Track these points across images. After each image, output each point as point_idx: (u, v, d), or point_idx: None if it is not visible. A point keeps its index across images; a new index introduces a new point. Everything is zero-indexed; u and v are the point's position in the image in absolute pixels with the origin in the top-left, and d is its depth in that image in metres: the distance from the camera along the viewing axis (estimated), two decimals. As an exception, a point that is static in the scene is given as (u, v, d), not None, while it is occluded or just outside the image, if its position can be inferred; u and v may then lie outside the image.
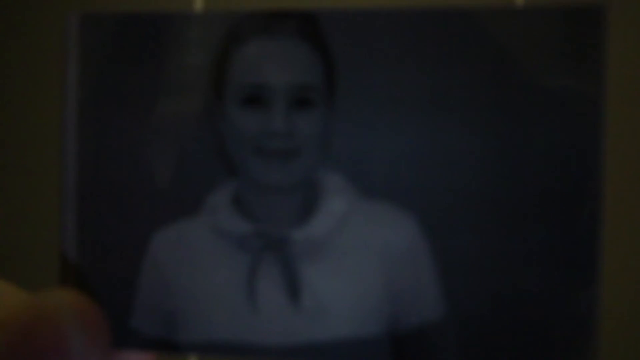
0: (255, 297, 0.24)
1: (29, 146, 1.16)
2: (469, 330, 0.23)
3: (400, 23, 0.24)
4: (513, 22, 0.23)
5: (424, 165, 0.23)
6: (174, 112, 0.25)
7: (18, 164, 1.17)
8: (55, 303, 0.23)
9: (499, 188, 0.23)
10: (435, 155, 0.23)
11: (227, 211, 0.24)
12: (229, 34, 0.24)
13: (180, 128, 0.25)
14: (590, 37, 0.22)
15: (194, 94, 0.25)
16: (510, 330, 0.23)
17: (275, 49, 0.24)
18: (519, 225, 0.23)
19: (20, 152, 1.17)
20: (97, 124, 0.25)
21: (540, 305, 0.23)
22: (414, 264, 0.23)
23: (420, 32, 0.23)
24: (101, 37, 0.25)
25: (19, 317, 0.22)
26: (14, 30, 1.17)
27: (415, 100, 0.23)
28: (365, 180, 0.24)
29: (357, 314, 0.24)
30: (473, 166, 0.23)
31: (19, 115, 1.17)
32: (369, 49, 0.24)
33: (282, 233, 0.24)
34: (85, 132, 0.25)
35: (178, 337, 0.24)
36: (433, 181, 0.23)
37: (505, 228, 0.23)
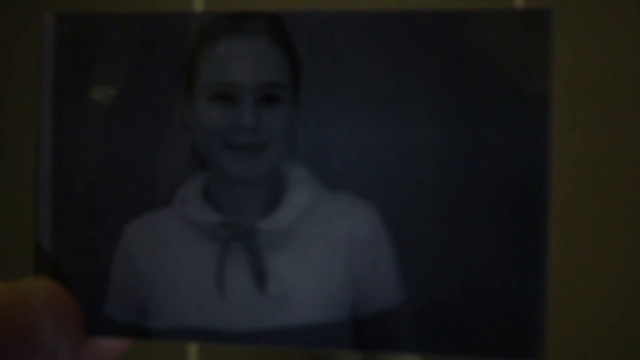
0: (224, 285, 0.25)
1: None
2: (426, 316, 0.24)
3: (362, 24, 0.25)
4: (466, 24, 0.24)
5: (384, 159, 0.25)
6: (146, 108, 0.26)
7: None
8: (29, 291, 0.23)
9: (454, 179, 0.24)
10: (395, 149, 0.25)
11: (197, 203, 0.25)
12: (200, 34, 0.26)
13: (153, 123, 0.26)
14: (539, 38, 0.24)
15: (166, 90, 0.26)
16: (465, 317, 0.24)
17: (243, 48, 0.25)
18: (473, 215, 0.24)
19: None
20: (71, 119, 0.26)
21: (493, 292, 0.24)
22: (375, 252, 0.25)
23: (380, 32, 0.25)
24: (75, 36, 0.26)
25: None
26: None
27: (376, 96, 0.25)
28: (329, 173, 0.25)
29: (320, 301, 0.25)
30: (430, 159, 0.24)
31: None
32: (332, 49, 0.25)
33: (249, 223, 0.25)
34: (60, 126, 0.26)
35: (149, 324, 0.25)
36: (393, 174, 0.25)
37: (461, 217, 0.24)
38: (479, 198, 0.24)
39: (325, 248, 0.25)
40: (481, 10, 0.24)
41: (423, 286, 0.24)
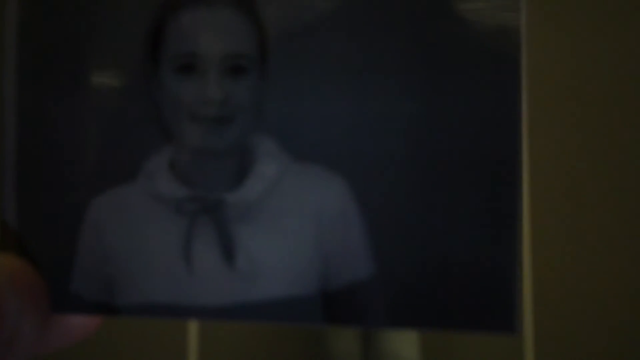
0: (192, 260, 0.25)
1: None
2: (396, 288, 0.24)
3: None
4: None
5: (354, 130, 0.24)
6: (110, 79, 0.25)
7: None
8: None
9: (425, 151, 0.24)
10: (365, 121, 0.24)
11: (163, 176, 0.25)
12: (165, 3, 0.25)
13: (117, 96, 0.25)
14: (510, 12, 0.23)
15: (131, 62, 0.25)
16: (436, 288, 0.24)
17: (209, 18, 0.25)
18: (444, 187, 0.24)
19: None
20: (35, 92, 0.25)
21: (463, 265, 0.24)
22: (344, 225, 0.24)
23: (350, 2, 0.24)
24: (39, 6, 0.25)
25: None
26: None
27: (345, 67, 0.24)
28: (298, 145, 0.24)
29: (289, 274, 0.24)
30: (400, 131, 0.24)
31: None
32: (300, 18, 0.24)
33: (217, 196, 0.25)
34: (23, 100, 0.25)
35: (117, 300, 0.25)
36: (363, 145, 0.24)
37: (432, 190, 0.24)
38: (449, 169, 0.24)
39: (294, 221, 0.24)
40: None
41: (393, 259, 0.24)
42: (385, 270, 0.24)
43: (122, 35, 0.25)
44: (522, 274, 0.24)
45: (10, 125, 0.25)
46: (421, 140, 0.24)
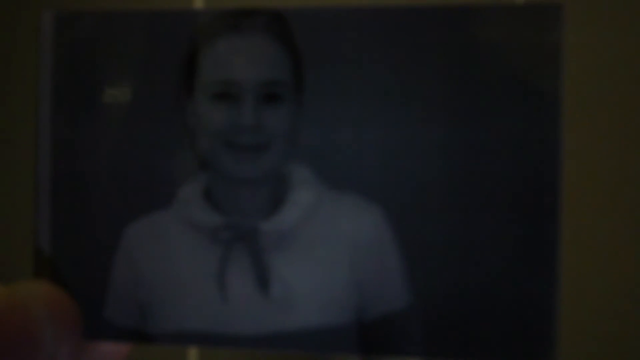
0: (226, 288, 0.25)
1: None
2: (433, 318, 0.24)
3: (365, 20, 0.24)
4: (474, 19, 0.24)
5: (389, 158, 0.24)
6: (146, 107, 0.25)
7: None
8: (28, 294, 0.23)
9: (461, 180, 0.24)
10: (400, 148, 0.24)
11: (198, 204, 0.25)
12: (200, 31, 0.25)
13: (152, 122, 0.25)
14: (548, 33, 0.23)
15: (167, 89, 0.25)
16: (473, 318, 0.24)
17: (244, 45, 0.25)
18: (481, 216, 0.24)
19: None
20: (71, 120, 0.25)
21: (502, 295, 0.23)
22: (380, 253, 0.24)
23: (384, 29, 0.24)
24: (74, 35, 0.26)
25: None
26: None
27: (379, 94, 0.24)
28: (332, 173, 0.24)
29: (324, 303, 0.24)
30: (436, 158, 0.24)
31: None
32: (335, 46, 0.24)
33: (252, 224, 0.25)
34: (59, 128, 0.25)
35: (150, 328, 0.25)
36: (399, 174, 0.24)
37: (469, 219, 0.24)
38: (487, 199, 0.23)
39: (329, 250, 0.24)
40: (488, 5, 0.24)
41: (429, 289, 0.24)
42: (422, 301, 0.24)
43: (158, 63, 0.25)
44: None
45: (45, 154, 0.25)
46: (458, 168, 0.24)
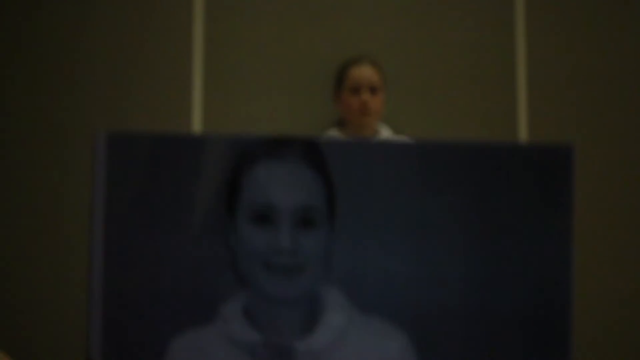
0: None
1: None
2: None
3: (394, 154, 0.26)
4: (493, 159, 0.25)
5: (414, 285, 0.26)
6: (191, 227, 0.27)
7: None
8: None
9: (481, 305, 0.26)
10: (424, 274, 0.26)
11: (238, 321, 0.27)
12: (241, 156, 0.27)
13: (196, 241, 0.27)
14: (560, 173, 0.25)
15: (209, 210, 0.27)
16: None
17: (282, 172, 0.27)
18: (500, 344, 0.25)
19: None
20: (120, 236, 0.28)
21: None
22: None
23: (412, 161, 0.26)
24: (125, 155, 0.28)
25: None
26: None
27: (406, 223, 0.26)
28: (362, 296, 0.26)
29: None
30: (458, 284, 0.26)
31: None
32: (366, 176, 0.26)
33: (288, 344, 0.26)
34: (110, 244, 0.28)
35: None
36: (423, 300, 0.26)
37: (489, 346, 0.25)
38: (505, 327, 0.25)
39: None
40: (508, 145, 0.25)
41: None
42: None
43: (201, 184, 0.27)
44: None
45: (98, 270, 0.27)
46: (476, 294, 0.26)
